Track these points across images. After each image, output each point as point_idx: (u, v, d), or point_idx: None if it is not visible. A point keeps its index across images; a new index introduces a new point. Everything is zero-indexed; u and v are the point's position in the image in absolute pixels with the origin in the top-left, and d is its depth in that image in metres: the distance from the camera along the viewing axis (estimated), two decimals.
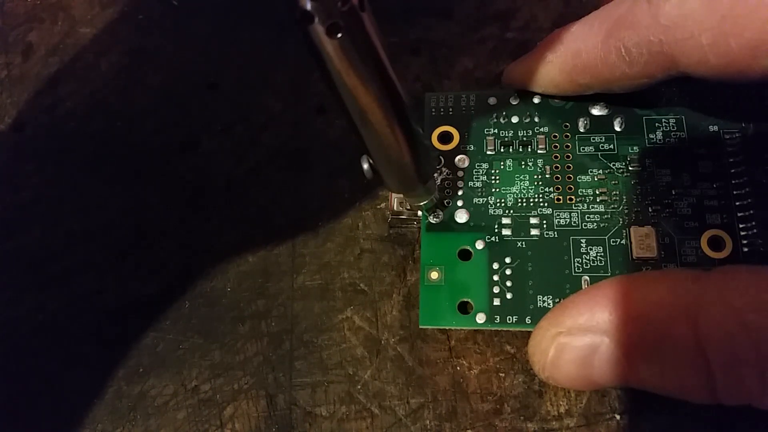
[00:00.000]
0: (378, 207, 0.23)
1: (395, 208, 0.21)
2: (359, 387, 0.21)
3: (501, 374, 0.20)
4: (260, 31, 0.27)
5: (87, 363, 0.22)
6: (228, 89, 0.26)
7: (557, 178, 0.21)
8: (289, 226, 0.23)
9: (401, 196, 0.21)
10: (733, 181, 0.19)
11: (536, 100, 0.22)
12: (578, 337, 0.16)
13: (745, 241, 0.19)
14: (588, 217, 0.20)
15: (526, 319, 0.19)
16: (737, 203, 0.19)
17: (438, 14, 0.26)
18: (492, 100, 0.22)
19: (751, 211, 0.19)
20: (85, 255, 0.23)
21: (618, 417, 0.20)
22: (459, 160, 0.21)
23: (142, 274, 0.23)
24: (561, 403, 0.20)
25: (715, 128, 0.20)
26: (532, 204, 0.20)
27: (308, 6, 0.11)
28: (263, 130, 0.25)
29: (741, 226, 0.19)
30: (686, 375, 0.15)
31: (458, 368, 0.21)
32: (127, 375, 0.21)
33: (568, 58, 0.19)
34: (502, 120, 0.22)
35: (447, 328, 0.20)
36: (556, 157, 0.21)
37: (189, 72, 0.26)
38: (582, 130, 0.21)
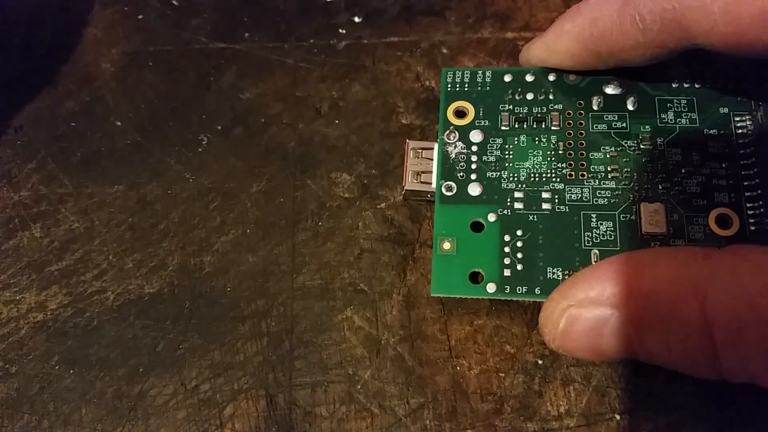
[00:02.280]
0: (378, 207, 0.23)
1: (409, 180, 0.21)
2: (359, 387, 0.21)
3: (501, 374, 0.20)
4: (260, 31, 0.27)
5: (87, 363, 0.22)
6: (228, 89, 0.26)
7: (570, 154, 0.21)
8: (289, 226, 0.23)
9: (416, 168, 0.21)
10: (742, 162, 0.20)
11: (551, 78, 0.22)
12: (589, 309, 0.16)
13: (752, 220, 0.19)
14: (599, 193, 0.20)
15: (536, 290, 0.19)
16: (745, 183, 0.20)
17: (438, 14, 0.26)
18: (508, 77, 0.22)
19: (759, 191, 0.19)
20: (85, 255, 0.23)
21: (618, 417, 0.20)
22: (473, 134, 0.22)
23: (142, 273, 0.23)
24: (561, 403, 0.20)
25: (726, 110, 0.21)
26: (544, 179, 0.21)
27: None
28: (263, 130, 0.25)
29: (748, 205, 0.19)
30: (692, 350, 0.15)
31: (458, 368, 0.21)
32: (127, 375, 0.21)
33: (586, 27, 0.19)
34: (517, 96, 0.22)
35: (458, 297, 0.20)
36: (569, 133, 0.21)
37: (189, 72, 0.26)
38: (595, 108, 0.21)
